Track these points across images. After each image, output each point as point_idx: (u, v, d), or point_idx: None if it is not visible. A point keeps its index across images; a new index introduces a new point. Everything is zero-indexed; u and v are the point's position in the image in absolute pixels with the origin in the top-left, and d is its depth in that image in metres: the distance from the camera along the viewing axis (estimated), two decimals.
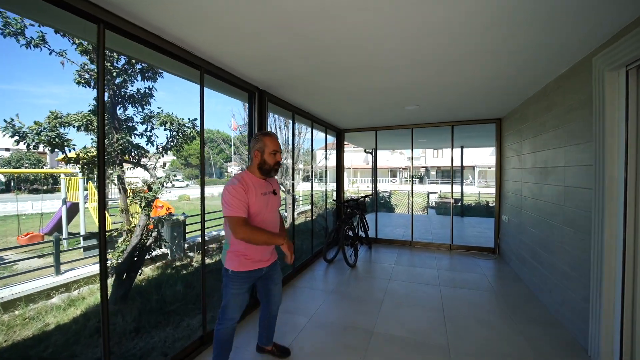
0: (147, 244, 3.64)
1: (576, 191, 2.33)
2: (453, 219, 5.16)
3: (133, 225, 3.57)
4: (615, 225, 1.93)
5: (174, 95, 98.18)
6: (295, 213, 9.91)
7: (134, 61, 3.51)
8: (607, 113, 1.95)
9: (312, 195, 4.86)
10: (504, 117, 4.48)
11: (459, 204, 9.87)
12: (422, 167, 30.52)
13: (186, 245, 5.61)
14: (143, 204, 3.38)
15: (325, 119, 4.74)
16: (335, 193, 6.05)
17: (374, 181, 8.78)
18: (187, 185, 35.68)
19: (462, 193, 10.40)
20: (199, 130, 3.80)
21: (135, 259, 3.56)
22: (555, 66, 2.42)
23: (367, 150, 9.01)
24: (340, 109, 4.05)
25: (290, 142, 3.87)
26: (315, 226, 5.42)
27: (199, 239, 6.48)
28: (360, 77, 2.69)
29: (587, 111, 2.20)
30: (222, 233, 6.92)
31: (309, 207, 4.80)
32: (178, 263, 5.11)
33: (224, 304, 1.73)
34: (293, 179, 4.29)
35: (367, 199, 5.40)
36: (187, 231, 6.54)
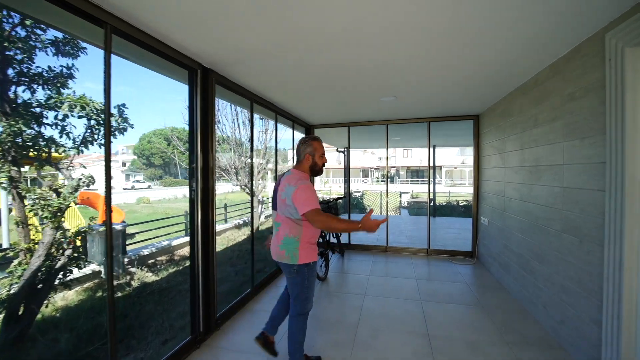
0: (57, 265, 2.78)
1: (581, 193, 1.99)
2: (430, 220, 4.84)
3: (36, 242, 2.70)
4: (638, 236, 1.59)
5: (143, 91, 79.93)
6: (263, 217, 9.18)
7: (29, 22, 2.64)
8: (628, 99, 1.60)
9: None
10: (482, 113, 4.23)
11: (431, 203, 9.83)
12: (393, 167, 31.05)
13: (126, 259, 4.71)
14: (46, 215, 2.53)
15: (291, 111, 4.14)
16: None
17: (347, 181, 8.34)
18: (149, 187, 33.16)
19: (434, 193, 10.39)
20: (126, 117, 3.03)
21: (40, 285, 2.70)
22: (554, 45, 2.06)
23: (339, 149, 8.57)
24: (308, 99, 3.48)
25: (249, 137, 3.24)
26: None
27: (144, 251, 5.53)
28: (332, 53, 2.14)
29: (595, 99, 1.86)
30: (174, 243, 6.03)
31: None
32: (114, 282, 4.20)
33: (304, 300, 1.84)
34: (252, 180, 3.68)
35: (339, 200, 4.91)
36: (130, 242, 5.56)
